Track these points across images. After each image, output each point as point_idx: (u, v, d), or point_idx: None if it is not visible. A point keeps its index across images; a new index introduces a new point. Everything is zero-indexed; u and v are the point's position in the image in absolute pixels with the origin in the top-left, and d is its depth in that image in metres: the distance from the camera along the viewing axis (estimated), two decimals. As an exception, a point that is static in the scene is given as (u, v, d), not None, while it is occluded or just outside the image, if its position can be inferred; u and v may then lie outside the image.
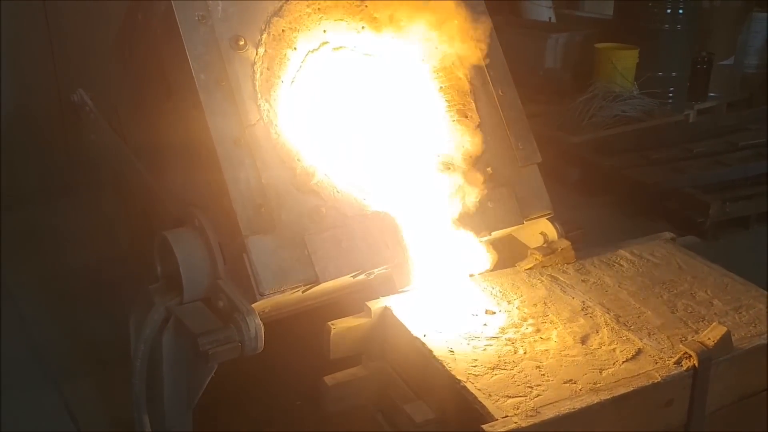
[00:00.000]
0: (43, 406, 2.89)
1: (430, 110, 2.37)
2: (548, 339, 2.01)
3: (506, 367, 1.88)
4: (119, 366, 2.44)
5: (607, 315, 2.11)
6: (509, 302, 2.18)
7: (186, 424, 2.26)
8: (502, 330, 2.05)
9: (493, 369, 1.88)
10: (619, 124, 5.42)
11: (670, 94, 6.08)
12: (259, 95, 2.12)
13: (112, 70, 2.64)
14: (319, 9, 2.27)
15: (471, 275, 2.28)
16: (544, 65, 6.41)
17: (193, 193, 2.22)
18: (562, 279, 2.30)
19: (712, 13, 6.38)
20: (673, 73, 6.07)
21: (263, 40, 2.16)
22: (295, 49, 2.20)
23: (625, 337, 2.01)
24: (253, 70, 2.14)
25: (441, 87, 2.40)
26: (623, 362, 1.91)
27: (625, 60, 5.89)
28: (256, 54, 2.15)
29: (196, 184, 2.19)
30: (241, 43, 2.13)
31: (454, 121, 2.39)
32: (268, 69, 2.15)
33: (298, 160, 2.14)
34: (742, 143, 5.17)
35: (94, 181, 3.66)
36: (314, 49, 2.24)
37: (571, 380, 1.84)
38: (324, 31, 2.26)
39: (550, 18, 7.37)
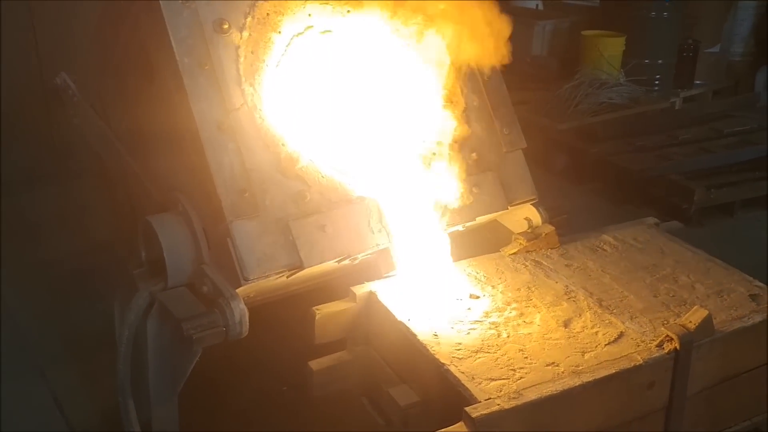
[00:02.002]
0: (29, 394, 2.88)
1: (415, 95, 2.37)
2: (531, 323, 2.02)
3: (489, 351, 1.90)
4: (104, 353, 2.43)
5: (590, 299, 2.12)
6: (493, 287, 2.19)
7: (171, 409, 2.26)
8: (486, 314, 2.06)
9: (477, 352, 1.89)
10: (606, 111, 5.43)
11: (657, 82, 6.09)
12: (243, 79, 2.11)
13: (95, 54, 2.62)
14: (304, -8, 2.25)
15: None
16: (531, 52, 6.41)
17: (177, 177, 2.21)
18: (545, 264, 2.32)
19: (698, 1, 6.38)
20: (660, 61, 6.09)
21: (247, 23, 2.15)
22: (279, 32, 2.19)
23: (607, 321, 2.02)
24: (237, 54, 2.12)
25: (427, 71, 2.39)
26: (605, 345, 1.92)
27: (611, 47, 5.90)
28: (240, 37, 2.13)
29: (180, 169, 2.18)
30: (225, 26, 2.12)
31: (439, 106, 2.39)
32: (252, 53, 2.14)
33: (283, 144, 2.13)
34: (727, 130, 5.20)
35: (77, 169, 3.65)
36: (299, 33, 2.22)
37: (553, 363, 1.85)
38: (309, 14, 2.25)
39: (537, 5, 7.36)
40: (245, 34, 2.13)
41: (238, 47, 2.12)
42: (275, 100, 2.16)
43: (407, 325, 1.98)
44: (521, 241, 2.37)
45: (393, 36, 2.33)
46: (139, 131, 2.42)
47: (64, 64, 2.68)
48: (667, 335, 1.88)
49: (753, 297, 2.14)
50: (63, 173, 4.23)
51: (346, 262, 2.21)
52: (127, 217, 2.68)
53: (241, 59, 2.12)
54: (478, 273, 2.26)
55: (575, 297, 2.14)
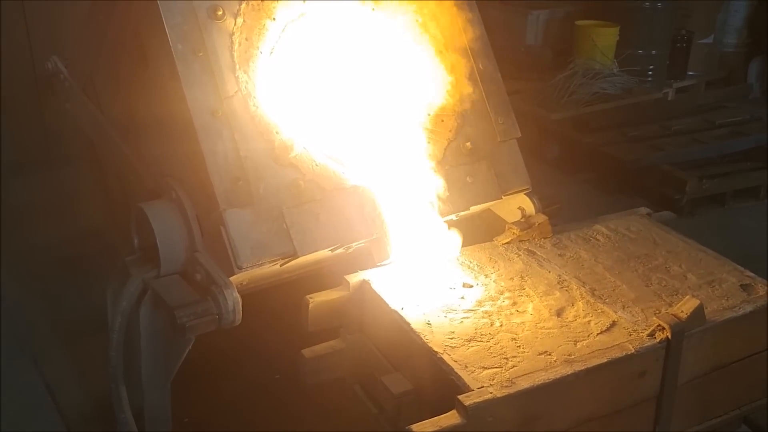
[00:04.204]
0: (21, 381, 2.87)
1: (410, 84, 2.36)
2: (524, 312, 2.03)
3: (482, 339, 1.90)
4: (97, 340, 2.43)
5: (582, 288, 2.13)
6: (486, 276, 2.20)
7: (164, 397, 2.25)
8: (479, 303, 2.06)
9: (470, 341, 1.89)
10: (599, 101, 5.43)
11: (650, 72, 6.09)
12: (237, 66, 2.10)
13: (87, 38, 2.60)
14: (298, -21, 2.24)
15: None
16: (524, 42, 6.40)
17: (170, 164, 2.20)
18: (539, 253, 2.32)
19: (692, -9, 6.39)
20: (653, 51, 6.09)
21: (242, 9, 2.14)
22: (274, 19, 2.17)
23: (599, 310, 2.03)
24: (232, 41, 2.11)
25: (422, 60, 2.38)
26: (597, 334, 1.93)
27: (605, 37, 5.89)
28: (235, 24, 2.12)
29: (173, 156, 2.17)
30: (220, 12, 2.10)
31: (434, 94, 2.38)
32: (246, 39, 2.13)
33: (277, 132, 2.12)
34: (719, 121, 5.21)
35: (68, 155, 3.62)
36: (293, 20, 2.21)
37: (546, 352, 1.86)
38: (303, 1, 2.23)
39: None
40: (239, 20, 2.12)
41: (232, 34, 2.11)
42: (269, 87, 2.15)
43: (400, 313, 1.98)
44: (514, 231, 2.38)
45: (388, 23, 2.33)
46: (131, 117, 2.40)
47: (55, 48, 2.65)
48: (659, 324, 1.89)
49: (744, 287, 2.15)
50: (54, 159, 4.20)
51: (340, 250, 2.21)
52: (119, 203, 2.67)
53: (236, 46, 2.11)
54: (471, 262, 2.27)
55: (568, 286, 2.14)
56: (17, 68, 4.27)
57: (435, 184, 2.31)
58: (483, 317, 2.00)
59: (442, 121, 2.37)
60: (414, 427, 1.64)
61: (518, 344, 1.89)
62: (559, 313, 2.03)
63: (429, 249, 2.23)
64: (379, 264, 2.21)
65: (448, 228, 2.27)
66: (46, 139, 4.33)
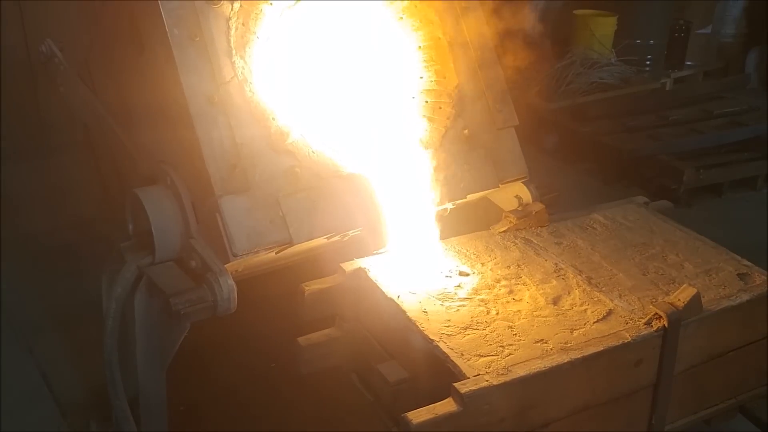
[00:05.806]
0: (16, 370, 2.86)
1: (408, 70, 2.35)
2: (521, 300, 2.03)
3: (479, 327, 1.90)
4: (92, 328, 2.42)
5: (579, 277, 2.13)
6: (483, 264, 2.19)
7: (159, 385, 2.24)
8: (476, 291, 2.06)
9: (466, 329, 1.89)
10: (597, 90, 5.42)
11: (648, 62, 6.08)
12: (233, 52, 2.08)
13: (82, 21, 2.57)
14: (296, -36, 2.22)
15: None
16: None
17: (166, 150, 2.18)
18: (535, 242, 2.32)
19: (690, -19, 6.37)
20: (651, 41, 6.07)
21: (239, -6, 2.12)
22: (270, 4, 2.15)
23: (596, 298, 2.03)
24: (228, 26, 2.09)
25: (420, 46, 2.37)
26: (594, 323, 1.93)
27: (603, 27, 5.88)
28: (232, 9, 2.10)
29: (169, 142, 2.15)
30: (216, -3, 2.08)
31: (432, 81, 2.37)
32: (243, 24, 2.11)
33: (273, 119, 2.10)
34: (717, 111, 5.21)
35: (63, 142, 3.60)
36: (290, 5, 2.19)
37: (542, 340, 1.86)
38: (300, -14, 2.22)
39: (530, -17, 7.31)
40: (236, 5, 2.10)
41: (229, 18, 2.09)
42: (266, 73, 2.13)
43: (397, 301, 1.98)
44: (511, 219, 2.37)
45: (385, 9, 2.31)
46: (126, 102, 2.38)
47: (50, 33, 2.62)
48: (656, 313, 1.89)
49: (741, 276, 2.15)
50: (49, 148, 4.18)
51: (336, 238, 2.20)
52: (114, 190, 2.65)
53: (232, 31, 2.08)
54: (467, 250, 2.26)
55: (564, 275, 2.14)
56: (12, 57, 4.24)
57: (432, 172, 2.30)
58: (479, 305, 1.99)
59: (440, 108, 2.36)
60: (410, 414, 1.64)
61: (514, 332, 1.89)
62: (555, 301, 2.02)
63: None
64: (375, 252, 2.20)
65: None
66: (41, 127, 4.30)
